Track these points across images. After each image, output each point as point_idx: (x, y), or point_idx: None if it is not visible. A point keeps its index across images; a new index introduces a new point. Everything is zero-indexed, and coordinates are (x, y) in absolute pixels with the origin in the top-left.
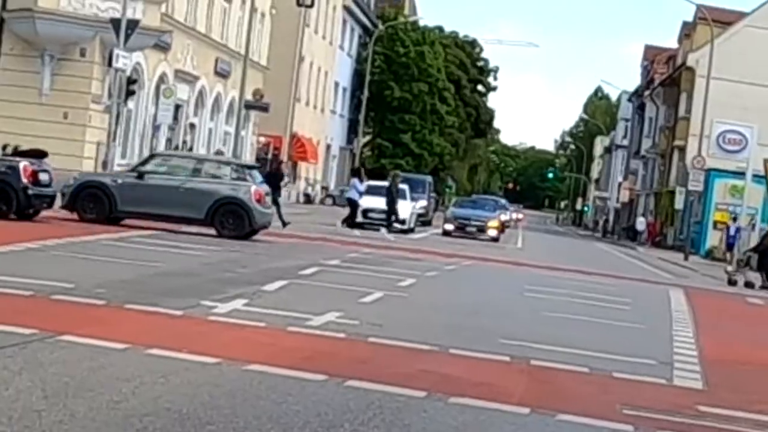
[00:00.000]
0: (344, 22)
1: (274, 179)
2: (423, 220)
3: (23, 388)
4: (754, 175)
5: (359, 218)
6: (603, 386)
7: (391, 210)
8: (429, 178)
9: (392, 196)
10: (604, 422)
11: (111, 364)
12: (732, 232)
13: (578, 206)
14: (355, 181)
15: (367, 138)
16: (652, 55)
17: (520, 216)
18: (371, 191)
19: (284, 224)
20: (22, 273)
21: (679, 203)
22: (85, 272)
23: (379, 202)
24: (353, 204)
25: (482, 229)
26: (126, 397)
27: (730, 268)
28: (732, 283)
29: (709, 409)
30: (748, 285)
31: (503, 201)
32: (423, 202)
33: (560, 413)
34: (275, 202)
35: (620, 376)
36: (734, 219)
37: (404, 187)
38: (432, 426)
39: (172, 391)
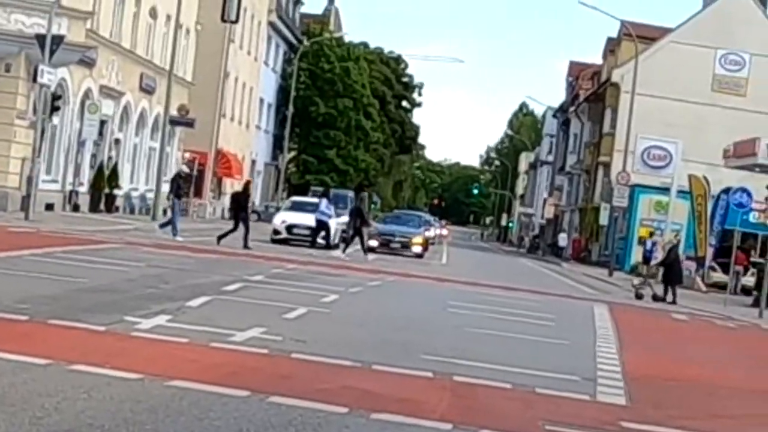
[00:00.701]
0: (269, 38)
1: (240, 200)
2: (344, 236)
3: None
4: (679, 191)
5: (284, 234)
6: (526, 402)
7: (357, 231)
8: (351, 194)
9: (362, 217)
10: None
11: (33, 379)
12: (648, 246)
13: (503, 222)
14: (323, 201)
15: (292, 154)
16: (577, 71)
17: (445, 232)
18: (296, 207)
19: (246, 247)
20: None
21: (603, 219)
22: (8, 288)
23: (305, 219)
24: (325, 226)
25: (406, 245)
26: (48, 412)
27: (636, 282)
28: (638, 297)
29: (632, 425)
30: (656, 298)
31: (428, 217)
32: (345, 218)
33: (483, 429)
34: (244, 222)
35: (543, 392)
36: (651, 234)
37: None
38: None
39: (94, 406)
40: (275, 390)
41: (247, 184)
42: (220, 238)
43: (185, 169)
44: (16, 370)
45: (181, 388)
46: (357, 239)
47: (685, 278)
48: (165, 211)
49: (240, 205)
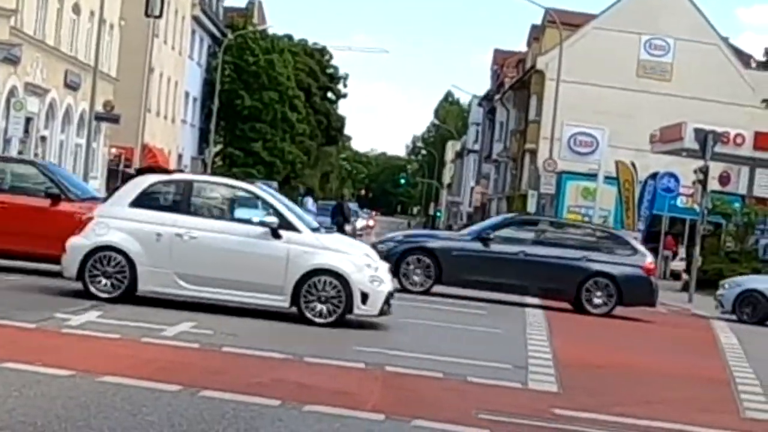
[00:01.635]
0: (193, 32)
1: None
2: None
3: None
4: (606, 177)
5: None
6: (458, 391)
7: (340, 229)
8: (275, 184)
9: (344, 215)
10: (459, 427)
11: None
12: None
13: (431, 211)
14: (308, 199)
15: (219, 147)
16: (501, 59)
17: (371, 223)
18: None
19: None
20: None
21: (531, 206)
22: None
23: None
24: None
25: None
26: None
27: None
28: None
29: (564, 412)
30: None
31: (355, 208)
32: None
33: (416, 419)
34: None
35: (475, 381)
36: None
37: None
38: None
39: (26, 404)
40: (207, 384)
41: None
42: None
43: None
44: None
45: (113, 383)
46: None
47: None
48: None
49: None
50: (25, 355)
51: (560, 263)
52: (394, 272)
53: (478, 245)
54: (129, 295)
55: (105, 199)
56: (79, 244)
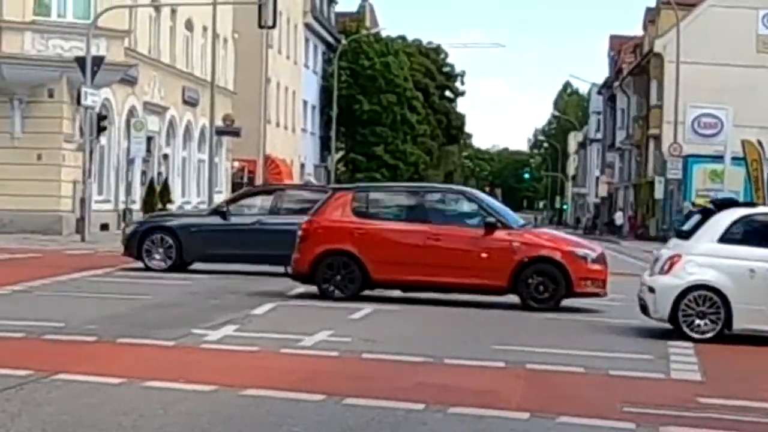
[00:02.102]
0: (307, 40)
1: None
2: None
3: (23, 429)
4: (733, 158)
5: None
6: (601, 385)
7: None
8: None
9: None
10: (605, 421)
11: (108, 399)
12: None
13: (557, 204)
14: None
15: (341, 154)
16: (618, 45)
17: None
18: None
19: None
20: (11, 315)
21: (658, 193)
22: (74, 310)
23: None
24: None
25: None
26: (126, 430)
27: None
28: None
29: (709, 400)
30: None
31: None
32: None
33: (560, 416)
34: None
35: (617, 374)
36: (692, 204)
37: None
38: None
39: (171, 421)
40: (349, 392)
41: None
42: None
43: (312, 180)
44: (91, 391)
45: (255, 396)
46: None
47: None
48: None
49: None
50: (167, 372)
51: (294, 230)
52: (137, 252)
53: (216, 219)
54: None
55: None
56: (670, 283)
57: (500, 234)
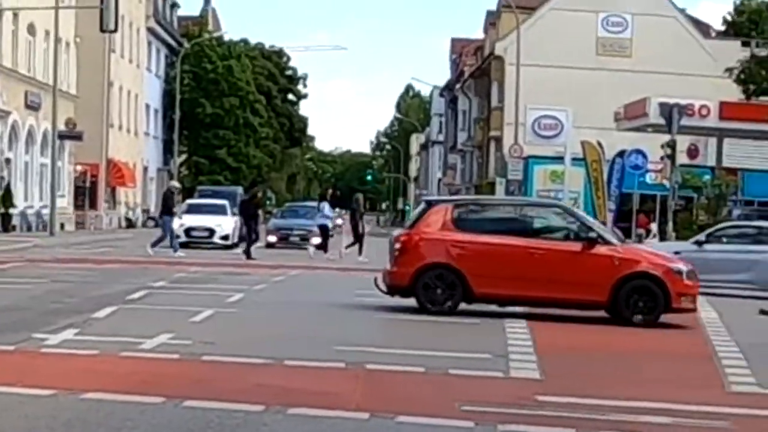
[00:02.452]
0: (149, 43)
1: (249, 209)
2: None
3: None
4: (573, 159)
5: (182, 238)
6: (440, 385)
7: (357, 235)
8: (239, 190)
9: (356, 220)
10: (444, 420)
11: None
12: None
13: (399, 206)
14: (323, 205)
15: (184, 157)
16: (459, 47)
17: (339, 221)
18: (192, 210)
19: (249, 257)
20: None
21: (500, 193)
22: None
23: (202, 220)
24: (325, 229)
25: (305, 238)
26: None
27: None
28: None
29: (548, 398)
30: None
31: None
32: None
33: (400, 415)
34: (249, 232)
35: (457, 373)
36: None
37: (224, 202)
38: None
39: (9, 426)
40: (190, 394)
41: (254, 193)
42: (247, 254)
43: (176, 185)
44: None
45: (95, 400)
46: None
47: None
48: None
49: (249, 213)
50: (5, 377)
51: None
52: None
53: None
54: None
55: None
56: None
57: (601, 249)
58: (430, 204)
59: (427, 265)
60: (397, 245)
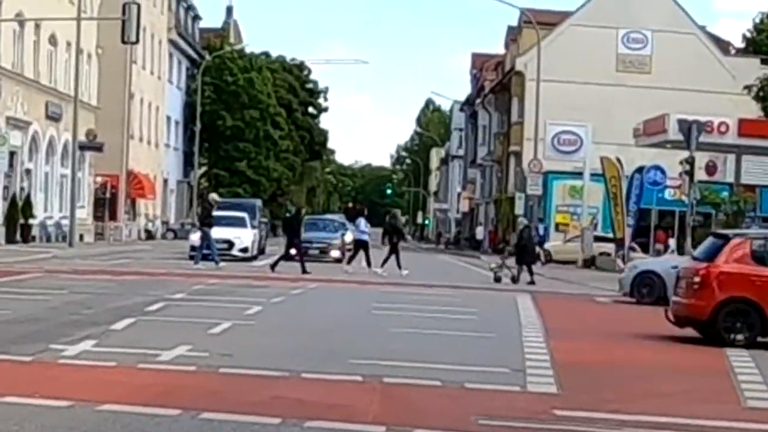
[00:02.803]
0: (171, 55)
1: (292, 225)
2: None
3: None
4: (592, 174)
5: (205, 250)
6: (457, 398)
7: (394, 250)
8: (258, 202)
9: (390, 235)
10: None
11: None
12: (541, 231)
13: (419, 220)
14: (360, 221)
15: (204, 169)
16: (480, 62)
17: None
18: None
19: (304, 272)
20: None
21: (519, 208)
22: None
23: (221, 233)
24: (364, 245)
25: (325, 251)
26: None
27: (493, 265)
28: (497, 279)
29: (565, 413)
30: (514, 280)
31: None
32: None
33: (416, 429)
34: (297, 247)
35: (473, 387)
36: (540, 219)
37: (244, 214)
38: None
39: None
40: (206, 406)
41: (298, 210)
42: (273, 265)
43: (216, 197)
44: None
45: (112, 411)
46: (393, 255)
47: (607, 261)
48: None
49: (293, 229)
50: (23, 388)
51: None
52: None
53: None
54: None
55: None
56: None
57: None
58: (727, 237)
59: (727, 299)
60: (696, 279)
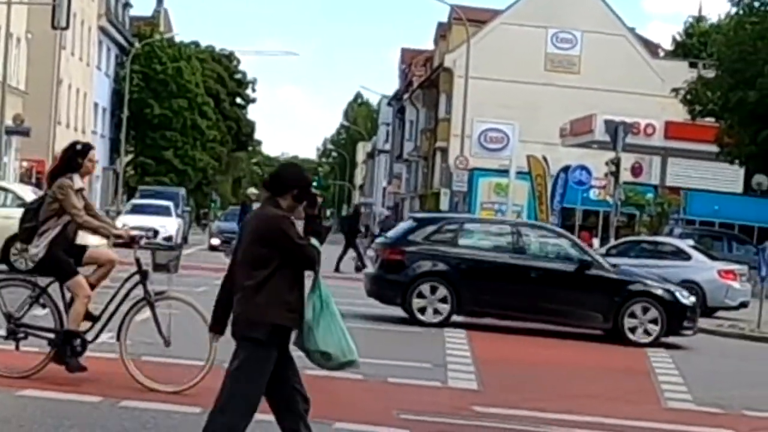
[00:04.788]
0: (100, 42)
1: (351, 223)
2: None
3: None
4: (518, 172)
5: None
6: (379, 392)
7: (353, 246)
8: (183, 191)
9: (354, 230)
10: (381, 428)
11: None
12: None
13: (344, 213)
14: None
15: (130, 157)
16: (409, 57)
17: None
18: (136, 210)
19: (362, 268)
20: None
21: (444, 204)
22: None
23: (146, 221)
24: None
25: None
26: None
27: (354, 255)
28: (358, 269)
29: (485, 409)
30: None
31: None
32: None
33: (337, 421)
34: (355, 246)
35: (395, 381)
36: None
37: (169, 203)
38: None
39: None
40: (127, 394)
41: (357, 208)
42: (336, 268)
43: (254, 191)
44: None
45: (33, 397)
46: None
47: None
48: None
49: (351, 228)
50: None
51: None
52: None
53: None
54: None
55: None
56: None
57: None
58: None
59: None
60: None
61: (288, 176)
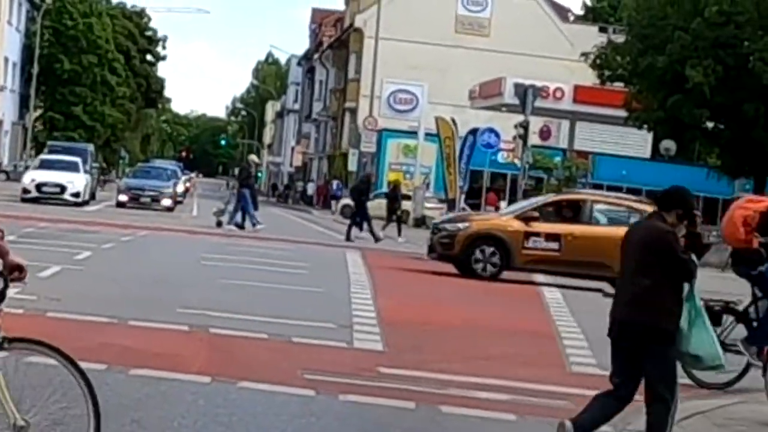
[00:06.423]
0: None
1: (361, 192)
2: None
3: None
4: (427, 134)
5: (33, 193)
6: (283, 352)
7: (363, 215)
8: (91, 147)
9: (362, 198)
10: (285, 388)
11: None
12: (335, 187)
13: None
14: (334, 182)
15: (39, 112)
16: (320, 18)
17: (188, 185)
18: (45, 165)
19: (377, 239)
20: None
21: (352, 165)
22: None
23: (54, 176)
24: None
25: (156, 199)
26: None
27: (215, 210)
28: (218, 224)
29: (389, 371)
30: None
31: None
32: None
33: (241, 380)
34: (364, 215)
35: (300, 341)
36: (335, 177)
37: (77, 159)
38: (114, 399)
39: None
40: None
41: (368, 177)
42: (347, 237)
43: (255, 158)
44: None
45: None
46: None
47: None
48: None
49: (361, 196)
50: None
51: None
52: None
53: None
54: None
55: None
56: None
57: None
58: None
59: None
60: None
61: (676, 197)
